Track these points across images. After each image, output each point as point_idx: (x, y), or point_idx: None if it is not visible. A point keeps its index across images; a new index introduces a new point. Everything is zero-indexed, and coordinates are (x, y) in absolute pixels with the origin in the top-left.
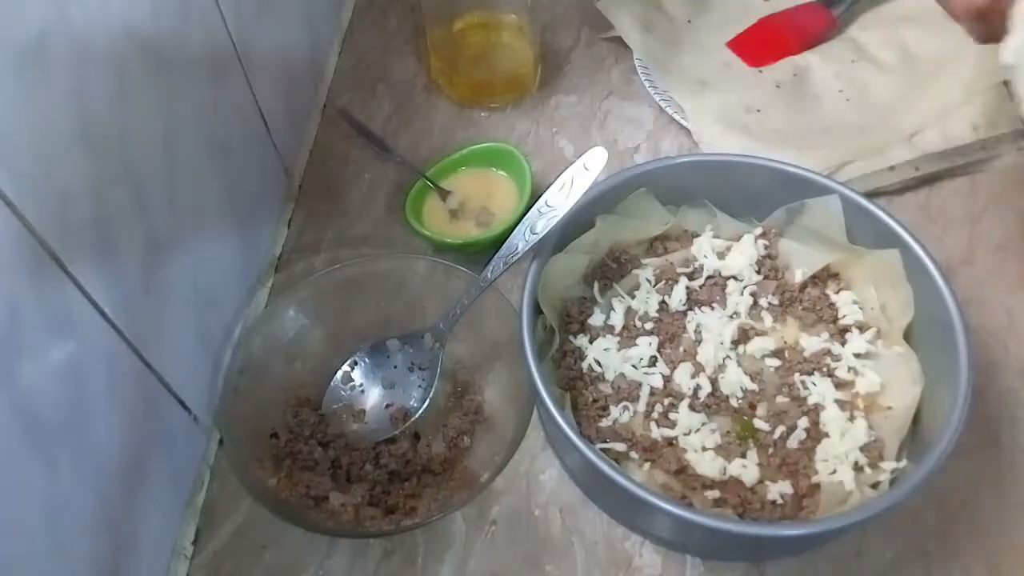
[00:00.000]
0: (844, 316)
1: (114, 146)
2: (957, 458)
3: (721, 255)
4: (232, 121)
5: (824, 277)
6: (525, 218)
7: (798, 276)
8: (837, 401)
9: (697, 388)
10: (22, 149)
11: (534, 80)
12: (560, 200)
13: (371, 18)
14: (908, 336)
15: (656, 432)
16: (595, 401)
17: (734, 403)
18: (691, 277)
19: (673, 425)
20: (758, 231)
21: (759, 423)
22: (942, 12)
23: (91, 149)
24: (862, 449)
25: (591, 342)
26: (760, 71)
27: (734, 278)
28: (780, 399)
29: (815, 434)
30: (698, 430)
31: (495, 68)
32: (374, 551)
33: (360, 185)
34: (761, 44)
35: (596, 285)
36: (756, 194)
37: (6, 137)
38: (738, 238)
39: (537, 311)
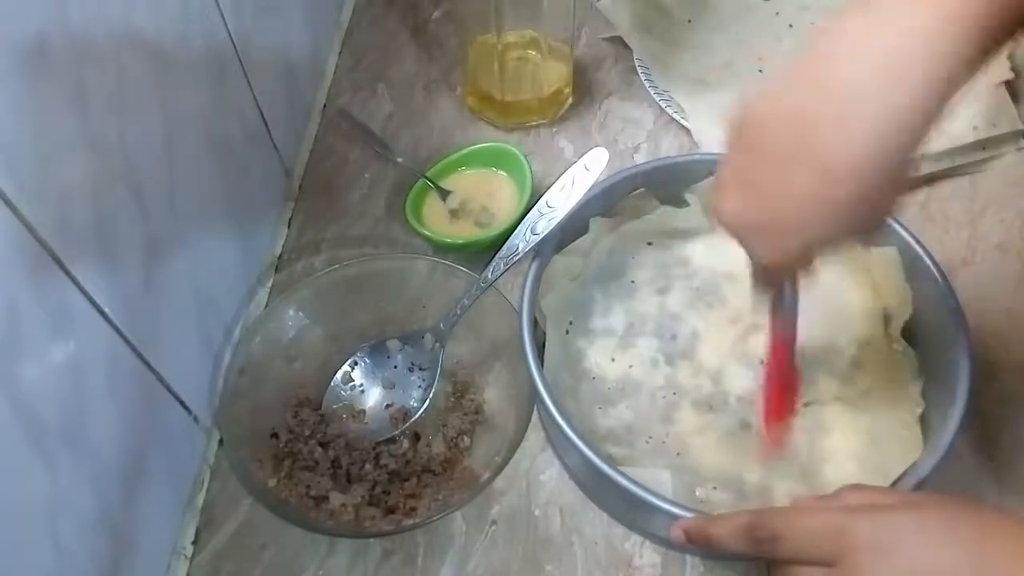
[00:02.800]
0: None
1: (114, 146)
2: (957, 458)
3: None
4: (232, 121)
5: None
6: (526, 219)
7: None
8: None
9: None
10: (22, 149)
11: (571, 95)
12: (561, 200)
13: (371, 18)
14: (907, 335)
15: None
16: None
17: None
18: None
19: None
20: None
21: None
22: None
23: (91, 149)
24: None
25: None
26: (760, 71)
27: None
28: None
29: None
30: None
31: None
32: (374, 551)
33: (360, 185)
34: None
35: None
36: None
37: (6, 137)
38: None
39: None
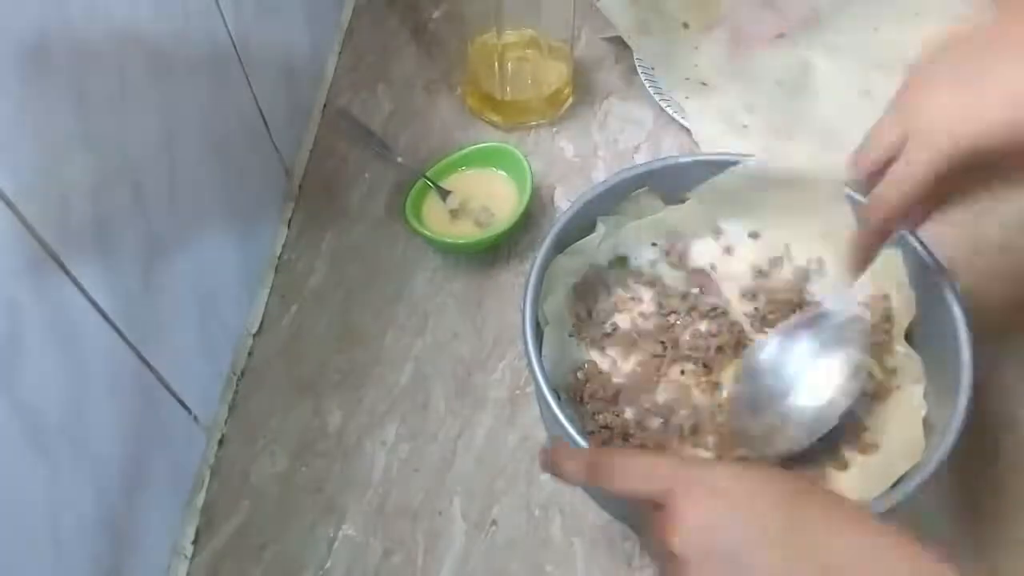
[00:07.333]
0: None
1: (114, 146)
2: (957, 458)
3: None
4: (232, 121)
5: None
6: None
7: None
8: None
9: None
10: (22, 149)
11: (571, 94)
12: None
13: (371, 18)
14: (908, 335)
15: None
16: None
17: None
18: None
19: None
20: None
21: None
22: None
23: (91, 149)
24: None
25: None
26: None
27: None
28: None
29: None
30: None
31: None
32: (374, 551)
33: (360, 185)
34: None
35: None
36: None
37: (6, 137)
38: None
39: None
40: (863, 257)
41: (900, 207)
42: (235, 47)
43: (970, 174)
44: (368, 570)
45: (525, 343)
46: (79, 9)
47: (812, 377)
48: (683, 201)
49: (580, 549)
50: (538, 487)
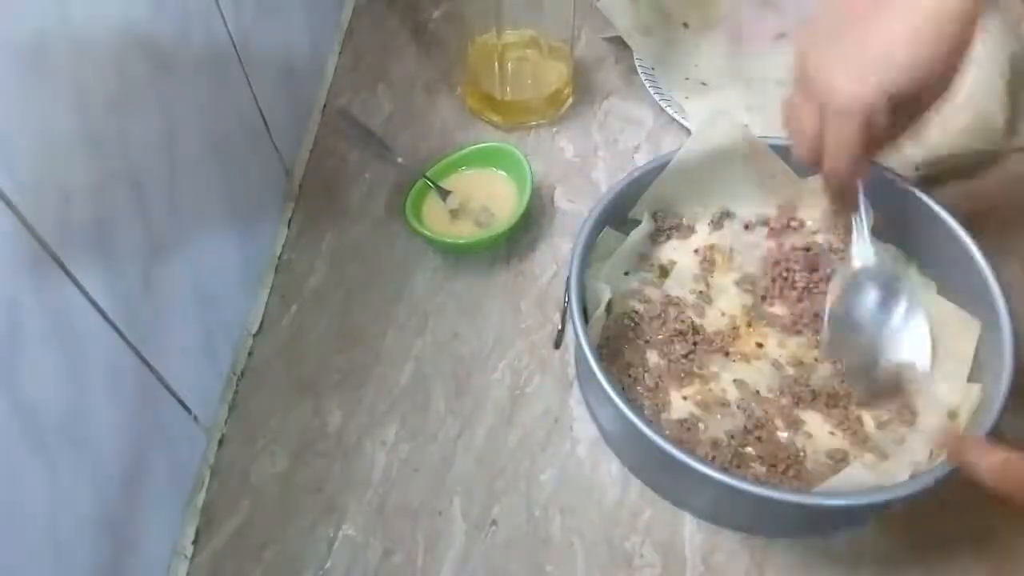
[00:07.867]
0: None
1: (114, 146)
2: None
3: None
4: (232, 121)
5: None
6: None
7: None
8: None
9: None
10: (22, 149)
11: (571, 94)
12: None
13: (371, 18)
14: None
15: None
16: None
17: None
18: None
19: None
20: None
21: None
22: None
23: (91, 149)
24: None
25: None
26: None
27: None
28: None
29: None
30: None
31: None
32: (374, 551)
33: (360, 185)
34: None
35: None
36: None
37: (6, 137)
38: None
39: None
40: (843, 218)
41: (851, 174)
42: (235, 47)
43: (890, 118)
44: (368, 570)
45: (571, 303)
46: (79, 9)
47: (893, 331)
48: (637, 222)
49: (580, 549)
50: (538, 487)
